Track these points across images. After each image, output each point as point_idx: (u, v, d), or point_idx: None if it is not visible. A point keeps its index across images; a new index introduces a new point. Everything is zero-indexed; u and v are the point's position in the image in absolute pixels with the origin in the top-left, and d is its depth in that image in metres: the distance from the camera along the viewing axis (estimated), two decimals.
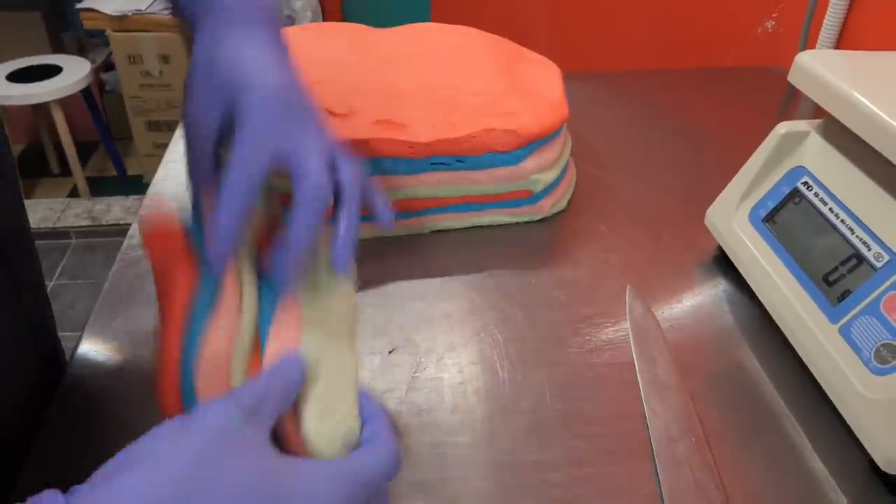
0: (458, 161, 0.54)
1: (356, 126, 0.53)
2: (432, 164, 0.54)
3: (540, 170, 0.55)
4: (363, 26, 0.67)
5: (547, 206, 0.57)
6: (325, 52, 0.62)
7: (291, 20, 2.21)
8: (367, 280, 0.51)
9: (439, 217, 0.56)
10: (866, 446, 0.37)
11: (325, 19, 2.29)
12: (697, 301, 0.50)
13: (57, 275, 1.76)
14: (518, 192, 0.56)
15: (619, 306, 0.49)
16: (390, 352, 0.46)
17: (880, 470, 0.37)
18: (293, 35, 0.64)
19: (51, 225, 1.89)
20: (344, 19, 2.27)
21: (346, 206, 0.34)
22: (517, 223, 0.57)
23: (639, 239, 0.56)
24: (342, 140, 0.36)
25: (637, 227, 0.57)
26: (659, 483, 0.37)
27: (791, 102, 0.78)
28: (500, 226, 0.57)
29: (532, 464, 0.39)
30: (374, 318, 0.48)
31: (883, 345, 0.38)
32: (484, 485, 0.38)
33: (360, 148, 0.52)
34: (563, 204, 0.59)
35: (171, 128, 2.04)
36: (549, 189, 0.57)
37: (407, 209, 0.55)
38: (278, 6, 0.37)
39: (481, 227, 0.57)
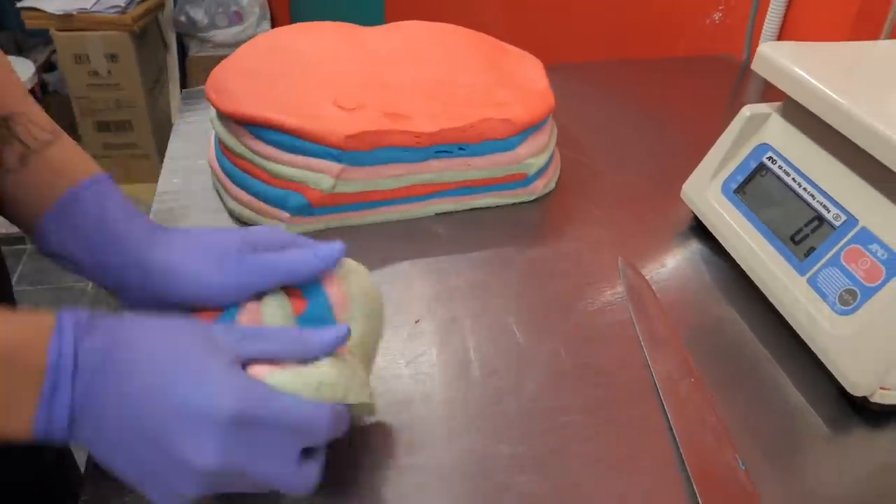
0: (459, 149, 0.59)
1: (366, 119, 0.57)
2: (436, 152, 0.59)
3: (532, 154, 0.61)
4: (351, 25, 0.72)
5: (539, 188, 0.63)
6: (324, 50, 0.66)
7: (239, 16, 2.21)
8: (382, 260, 0.56)
9: (442, 201, 0.61)
10: (836, 375, 0.44)
11: (271, 14, 2.30)
12: (680, 265, 0.57)
13: (15, 281, 1.73)
14: (513, 175, 0.61)
15: (613, 273, 0.55)
16: (416, 322, 0.51)
17: (848, 394, 0.44)
18: (287, 34, 0.69)
19: (3, 231, 1.86)
20: (291, 14, 2.28)
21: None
22: (513, 204, 0.63)
23: (622, 214, 0.63)
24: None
25: (619, 203, 0.64)
26: (668, 418, 0.44)
27: (740, 88, 0.86)
28: (497, 207, 0.62)
29: (556, 409, 0.44)
30: (393, 295, 0.52)
31: (845, 290, 0.45)
32: (516, 428, 0.43)
33: (371, 139, 0.56)
34: (552, 185, 0.65)
35: (120, 128, 2.02)
36: (541, 172, 0.63)
37: (413, 194, 0.60)
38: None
39: (480, 208, 0.62)
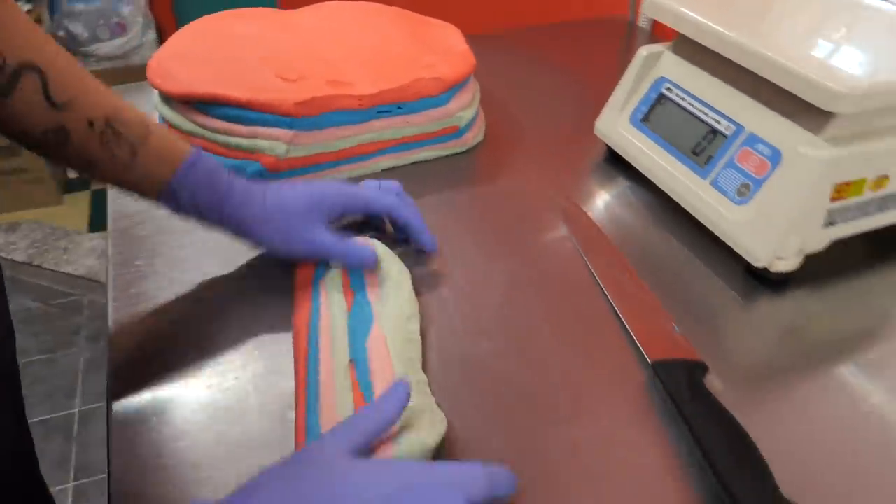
0: (398, 108, 0.65)
1: (311, 87, 0.62)
2: (378, 112, 0.64)
3: (462, 108, 0.68)
4: (275, 10, 0.77)
5: (470, 139, 0.70)
6: (255, 32, 0.71)
7: (122, 27, 2.17)
8: None
9: (386, 157, 0.67)
10: (741, 253, 0.54)
11: (156, 23, 2.26)
12: (601, 188, 0.65)
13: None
14: (446, 128, 0.68)
15: (546, 202, 0.63)
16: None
17: (752, 268, 0.54)
18: (214, 21, 0.72)
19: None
20: (177, 19, 2.25)
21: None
22: (448, 155, 0.70)
23: (544, 155, 0.71)
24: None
25: (541, 147, 0.72)
26: (611, 303, 0.52)
27: (630, 42, 0.97)
28: (435, 159, 0.69)
29: (521, 311, 0.51)
30: None
31: (741, 185, 0.54)
32: (492, 329, 0.50)
33: (318, 105, 0.62)
34: (480, 136, 0.72)
35: (6, 152, 1.94)
36: (470, 125, 0.70)
37: (360, 153, 0.66)
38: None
39: (420, 161, 0.68)
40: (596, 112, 0.69)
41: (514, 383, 0.46)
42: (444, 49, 0.71)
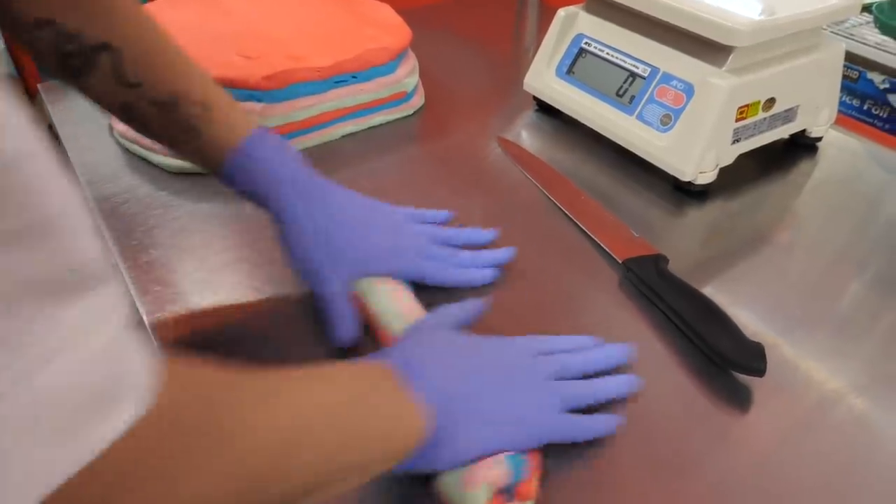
0: (352, 77, 0.71)
1: (272, 63, 0.67)
2: (335, 82, 0.70)
3: (408, 75, 0.75)
4: None
5: (417, 102, 0.77)
6: (196, 19, 0.74)
7: None
8: None
9: (346, 124, 0.73)
10: (669, 172, 0.65)
11: None
12: (536, 135, 0.75)
13: None
14: (396, 94, 0.75)
15: (492, 147, 0.72)
16: None
17: (679, 183, 0.65)
18: (155, 10, 0.75)
19: None
20: None
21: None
22: (398, 119, 0.76)
23: (480, 112, 0.79)
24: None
25: (476, 106, 0.80)
26: (574, 220, 0.61)
27: (522, 10, 1.07)
28: (387, 123, 0.76)
29: (501, 238, 0.60)
30: None
31: (663, 115, 0.65)
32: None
33: (282, 77, 0.67)
34: (422, 101, 0.79)
35: None
36: (415, 90, 0.77)
37: (322, 121, 0.71)
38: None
39: (375, 126, 0.75)
40: (511, 72, 0.78)
41: (502, 298, 0.54)
42: (379, 22, 0.77)
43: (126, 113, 0.47)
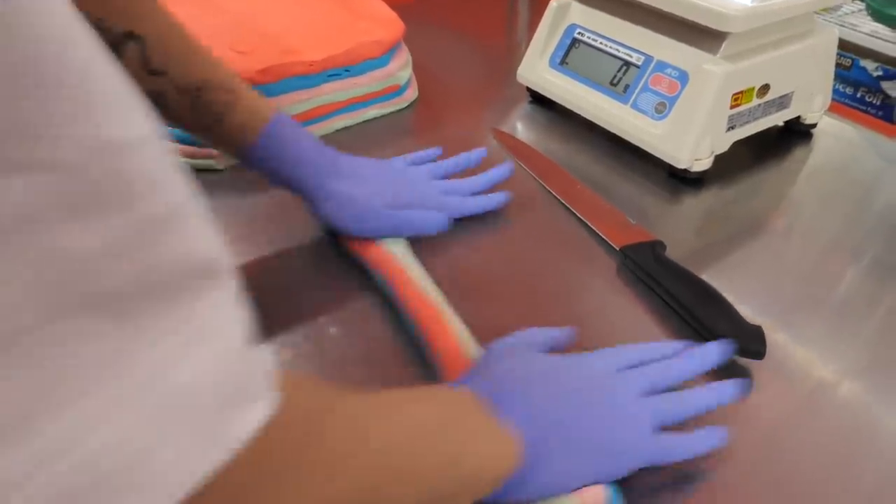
0: (345, 70, 0.71)
1: (265, 57, 0.67)
2: (328, 76, 0.70)
3: (401, 68, 0.75)
4: None
5: (410, 95, 0.77)
6: (193, 12, 0.73)
7: None
8: None
9: (340, 118, 0.73)
10: (665, 159, 0.65)
11: None
12: (529, 126, 0.75)
13: None
14: (389, 87, 0.75)
15: (487, 140, 0.71)
16: None
17: (675, 171, 0.65)
18: None
19: None
20: None
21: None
22: (392, 112, 0.76)
23: (475, 104, 0.79)
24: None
25: (470, 99, 0.80)
26: (572, 211, 0.61)
27: (512, 6, 1.07)
28: (382, 117, 0.75)
29: (502, 228, 0.60)
30: None
31: (657, 104, 0.65)
32: (478, 240, 0.58)
33: (276, 71, 0.66)
34: (416, 94, 0.79)
35: None
36: (408, 83, 0.77)
37: (316, 115, 0.71)
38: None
39: (369, 119, 0.75)
40: (504, 65, 0.78)
41: (499, 288, 0.54)
42: (371, 16, 0.77)
43: (154, 101, 0.47)
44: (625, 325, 0.51)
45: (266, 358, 0.24)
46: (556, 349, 0.43)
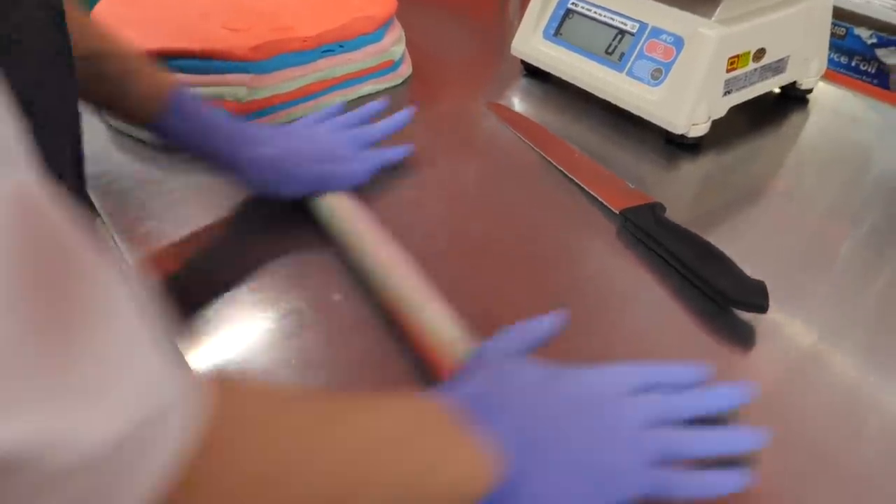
0: (339, 46, 0.71)
1: (257, 34, 0.67)
2: (322, 52, 0.70)
3: (395, 43, 0.75)
4: None
5: (405, 71, 0.77)
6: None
7: None
8: None
9: (334, 94, 0.72)
10: (662, 125, 0.64)
11: None
12: (525, 98, 0.75)
13: None
14: (383, 63, 0.74)
15: (484, 113, 0.71)
16: None
17: (672, 137, 0.65)
18: None
19: None
20: None
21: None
22: (387, 89, 0.76)
23: (469, 78, 0.79)
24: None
25: (464, 73, 0.80)
26: (572, 178, 0.61)
27: None
28: (377, 93, 0.75)
29: (502, 194, 0.59)
30: None
31: (653, 70, 0.65)
32: (483, 211, 0.57)
33: (269, 48, 0.66)
34: (410, 70, 0.79)
35: None
36: (402, 58, 0.76)
37: (311, 92, 0.70)
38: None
39: (365, 96, 0.74)
40: (497, 39, 0.78)
41: (502, 255, 0.54)
42: None
43: None
44: (626, 285, 0.51)
45: (182, 381, 0.22)
46: (551, 339, 0.41)
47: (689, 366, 0.39)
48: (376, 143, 0.61)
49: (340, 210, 0.53)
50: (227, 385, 0.25)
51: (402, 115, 0.63)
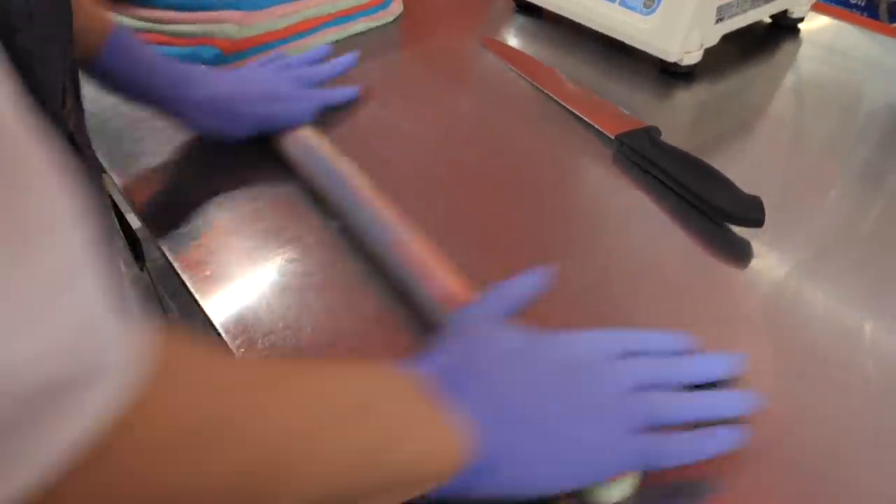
0: None
1: None
2: None
3: None
4: None
5: (396, 9, 0.76)
6: None
7: None
8: None
9: (327, 31, 0.72)
10: (655, 54, 0.65)
11: None
12: (516, 33, 0.74)
13: None
14: (374, 0, 0.74)
15: (476, 49, 0.71)
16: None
17: (666, 66, 0.65)
18: None
19: None
20: None
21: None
22: (379, 27, 0.75)
23: (461, 17, 0.78)
24: None
25: (455, 11, 0.80)
26: (567, 108, 0.61)
27: None
28: (369, 31, 0.75)
29: (499, 128, 0.60)
30: None
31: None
32: (472, 152, 0.58)
33: None
34: (401, 7, 0.78)
35: None
36: None
37: (304, 29, 0.70)
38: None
39: (357, 34, 0.74)
40: None
41: (497, 182, 0.54)
42: None
43: None
44: (623, 207, 0.52)
45: (120, 329, 0.20)
46: (533, 300, 0.40)
47: (675, 334, 0.37)
48: (321, 84, 0.61)
49: (317, 147, 0.53)
50: (173, 339, 0.23)
51: (346, 59, 0.63)
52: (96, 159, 0.55)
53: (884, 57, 0.72)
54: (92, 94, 0.62)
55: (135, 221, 0.64)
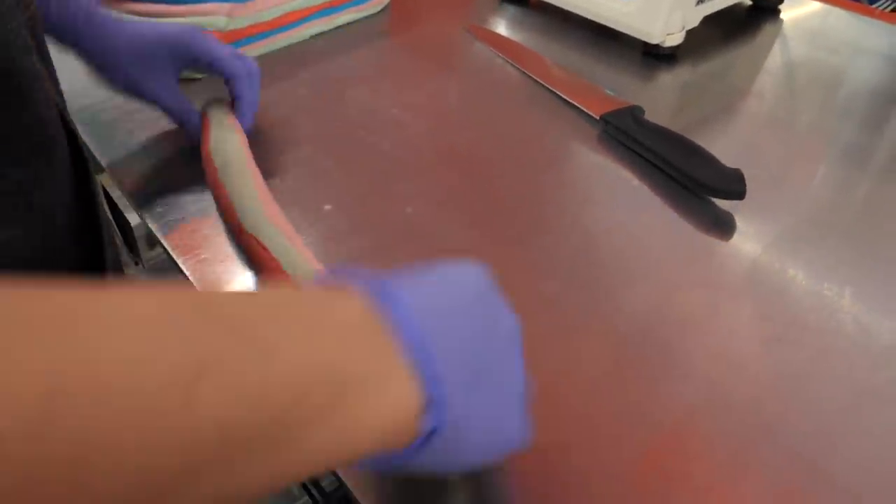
0: None
1: None
2: None
3: None
4: None
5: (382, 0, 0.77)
6: None
7: None
8: (279, 79, 0.67)
9: (314, 23, 0.73)
10: (638, 36, 0.66)
11: None
12: (502, 21, 0.75)
13: None
14: None
15: (462, 37, 0.72)
16: None
17: (649, 48, 0.66)
18: None
19: None
20: None
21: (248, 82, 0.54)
22: (365, 18, 0.76)
23: (447, 6, 0.79)
24: None
25: (440, 2, 0.80)
26: (555, 92, 0.62)
27: None
28: (356, 21, 0.76)
29: (485, 110, 0.61)
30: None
31: None
32: (466, 134, 0.59)
33: None
34: None
35: None
36: None
37: (291, 21, 0.71)
38: None
39: (344, 25, 0.75)
40: None
41: (486, 161, 0.55)
42: None
43: None
44: (609, 183, 0.53)
45: None
46: None
47: None
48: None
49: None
50: None
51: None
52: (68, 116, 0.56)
53: (864, 38, 0.73)
54: (84, 86, 0.63)
55: (133, 218, 0.65)
